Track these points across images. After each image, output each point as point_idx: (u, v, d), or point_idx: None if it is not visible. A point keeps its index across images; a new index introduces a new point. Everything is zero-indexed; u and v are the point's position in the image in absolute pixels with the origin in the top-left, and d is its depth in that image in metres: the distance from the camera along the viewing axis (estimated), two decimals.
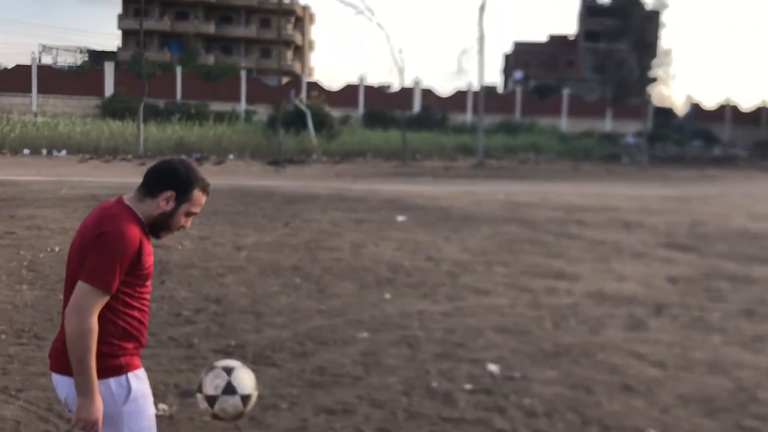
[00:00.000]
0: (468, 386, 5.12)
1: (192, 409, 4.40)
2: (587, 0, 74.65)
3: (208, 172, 21.23)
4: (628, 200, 18.45)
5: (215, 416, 2.76)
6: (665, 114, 62.97)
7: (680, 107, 67.50)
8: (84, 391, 2.51)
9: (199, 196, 2.71)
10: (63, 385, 2.63)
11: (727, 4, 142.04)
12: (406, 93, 52.16)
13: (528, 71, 74.11)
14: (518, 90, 61.72)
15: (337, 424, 4.42)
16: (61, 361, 2.60)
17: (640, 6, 39.58)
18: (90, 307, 2.49)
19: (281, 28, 43.09)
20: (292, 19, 74.33)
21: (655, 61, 37.06)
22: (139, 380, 2.68)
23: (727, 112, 66.29)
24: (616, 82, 38.29)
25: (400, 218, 13.35)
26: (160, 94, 43.41)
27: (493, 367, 5.53)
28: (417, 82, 56.27)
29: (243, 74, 53.97)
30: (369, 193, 17.49)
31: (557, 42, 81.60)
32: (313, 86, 53.36)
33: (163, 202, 2.65)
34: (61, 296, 3.02)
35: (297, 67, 71.89)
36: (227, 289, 7.63)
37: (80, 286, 2.51)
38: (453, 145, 38.53)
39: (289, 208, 14.29)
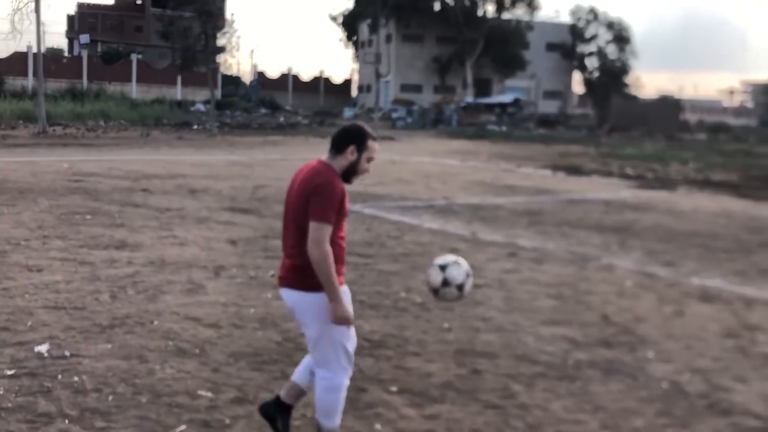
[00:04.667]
0: (10, 372, 4.75)
1: None
2: None
3: None
4: (196, 166, 18.69)
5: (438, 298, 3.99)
6: (233, 82, 65.03)
7: (247, 76, 70.29)
8: (334, 298, 3.50)
9: (372, 144, 3.66)
10: (291, 296, 3.66)
11: None
12: None
13: (95, 35, 70.67)
14: (84, 55, 58.69)
15: None
16: (291, 278, 3.63)
17: None
18: (323, 237, 3.44)
19: None
20: None
21: (220, 31, 37.78)
22: (344, 294, 3.65)
23: (289, 82, 70.70)
24: (182, 50, 38.25)
25: None
26: None
27: (41, 348, 5.20)
28: None
29: None
30: None
31: (124, 6, 78.88)
32: None
33: (350, 155, 3.61)
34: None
35: None
36: None
37: (312, 224, 3.45)
38: (12, 112, 35.40)
39: None
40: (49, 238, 9.01)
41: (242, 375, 4.96)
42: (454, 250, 9.53)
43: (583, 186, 18.22)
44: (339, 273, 3.60)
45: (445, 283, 3.86)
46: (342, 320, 3.53)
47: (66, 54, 68.57)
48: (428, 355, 5.56)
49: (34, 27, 28.10)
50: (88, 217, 10.60)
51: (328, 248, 3.44)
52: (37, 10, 27.38)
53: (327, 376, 3.71)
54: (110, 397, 4.45)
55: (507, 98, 56.94)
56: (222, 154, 23.65)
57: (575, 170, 22.10)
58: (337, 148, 3.63)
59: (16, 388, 4.51)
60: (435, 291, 3.90)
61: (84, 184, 14.17)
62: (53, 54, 71.10)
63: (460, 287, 3.86)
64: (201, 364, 5.12)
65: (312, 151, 26.42)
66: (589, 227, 11.77)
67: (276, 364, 5.18)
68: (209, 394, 4.60)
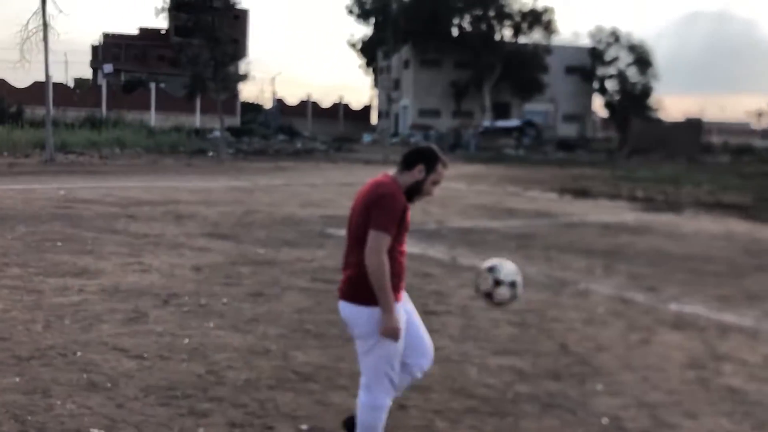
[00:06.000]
0: None
1: None
2: None
3: None
4: (194, 193, 18.50)
5: (497, 303, 4.06)
6: (254, 109, 65.39)
7: (268, 103, 70.68)
8: (386, 308, 3.52)
9: (441, 169, 3.71)
10: (345, 309, 3.72)
11: (305, 9, 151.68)
12: None
13: (118, 65, 71.71)
14: (104, 84, 59.41)
15: None
16: (345, 291, 3.70)
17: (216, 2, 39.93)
18: (381, 247, 3.48)
19: None
20: None
21: (230, 58, 37.88)
22: (404, 303, 3.76)
23: (308, 108, 70.93)
24: (195, 77, 38.39)
25: None
26: None
27: None
28: None
29: None
30: None
31: (149, 35, 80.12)
32: None
33: (417, 173, 3.67)
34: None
35: None
36: None
37: (371, 233, 3.49)
38: (28, 140, 35.71)
39: None
40: (8, 265, 8.79)
41: (146, 411, 4.63)
42: (427, 275, 9.19)
43: (586, 209, 17.76)
44: (398, 287, 3.68)
45: (498, 282, 3.95)
46: (390, 332, 3.56)
47: (91, 83, 69.51)
48: (357, 389, 5.18)
49: (54, 57, 28.22)
50: (59, 244, 10.38)
51: (385, 258, 3.49)
52: (45, 39, 27.55)
53: (368, 395, 3.79)
54: None
55: (517, 122, 56.61)
56: (226, 180, 23.47)
57: (583, 193, 21.65)
58: (407, 164, 3.71)
59: None
60: (488, 295, 4.00)
61: (71, 210, 14.01)
62: (79, 83, 72.05)
63: (513, 284, 3.97)
64: (107, 398, 4.80)
65: (319, 177, 26.24)
66: (577, 251, 11.34)
67: (187, 399, 4.84)
68: None
